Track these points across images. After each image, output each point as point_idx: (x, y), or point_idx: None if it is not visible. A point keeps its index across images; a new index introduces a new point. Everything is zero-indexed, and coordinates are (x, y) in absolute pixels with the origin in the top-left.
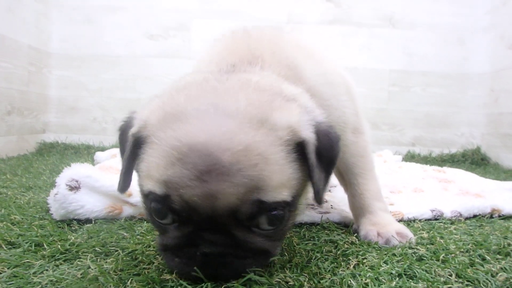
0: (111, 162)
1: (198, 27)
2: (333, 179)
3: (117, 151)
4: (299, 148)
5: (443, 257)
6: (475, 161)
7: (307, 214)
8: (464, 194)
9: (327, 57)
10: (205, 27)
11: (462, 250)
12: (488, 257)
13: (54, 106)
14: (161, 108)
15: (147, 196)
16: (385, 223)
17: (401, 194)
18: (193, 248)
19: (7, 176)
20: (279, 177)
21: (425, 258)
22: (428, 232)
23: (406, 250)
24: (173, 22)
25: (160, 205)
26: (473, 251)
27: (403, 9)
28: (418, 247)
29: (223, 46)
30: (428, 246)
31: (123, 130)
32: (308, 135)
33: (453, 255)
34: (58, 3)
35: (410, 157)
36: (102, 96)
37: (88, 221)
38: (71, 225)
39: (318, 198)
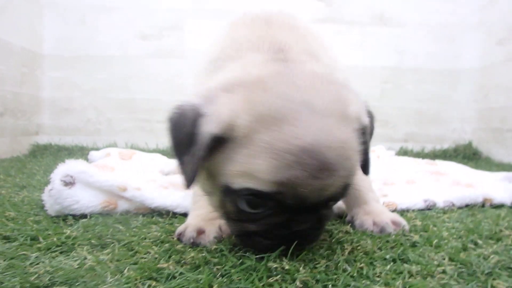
0: (105, 161)
1: (191, 27)
2: None
3: (110, 150)
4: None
5: (436, 243)
6: (467, 155)
7: None
8: (456, 184)
9: (330, 45)
10: (199, 27)
11: (454, 236)
12: (480, 242)
13: (47, 107)
14: (251, 108)
15: (238, 192)
16: (379, 212)
17: (394, 186)
18: (284, 229)
19: (0, 177)
20: (357, 163)
21: (418, 244)
22: (421, 220)
23: (400, 237)
24: (167, 22)
25: (257, 198)
26: (465, 237)
27: (393, 7)
28: (412, 234)
29: (248, 32)
30: (421, 233)
31: (182, 125)
32: (367, 120)
33: (446, 241)
34: (50, 4)
35: (403, 153)
36: (96, 97)
37: (83, 216)
38: (66, 220)
39: (368, 171)
